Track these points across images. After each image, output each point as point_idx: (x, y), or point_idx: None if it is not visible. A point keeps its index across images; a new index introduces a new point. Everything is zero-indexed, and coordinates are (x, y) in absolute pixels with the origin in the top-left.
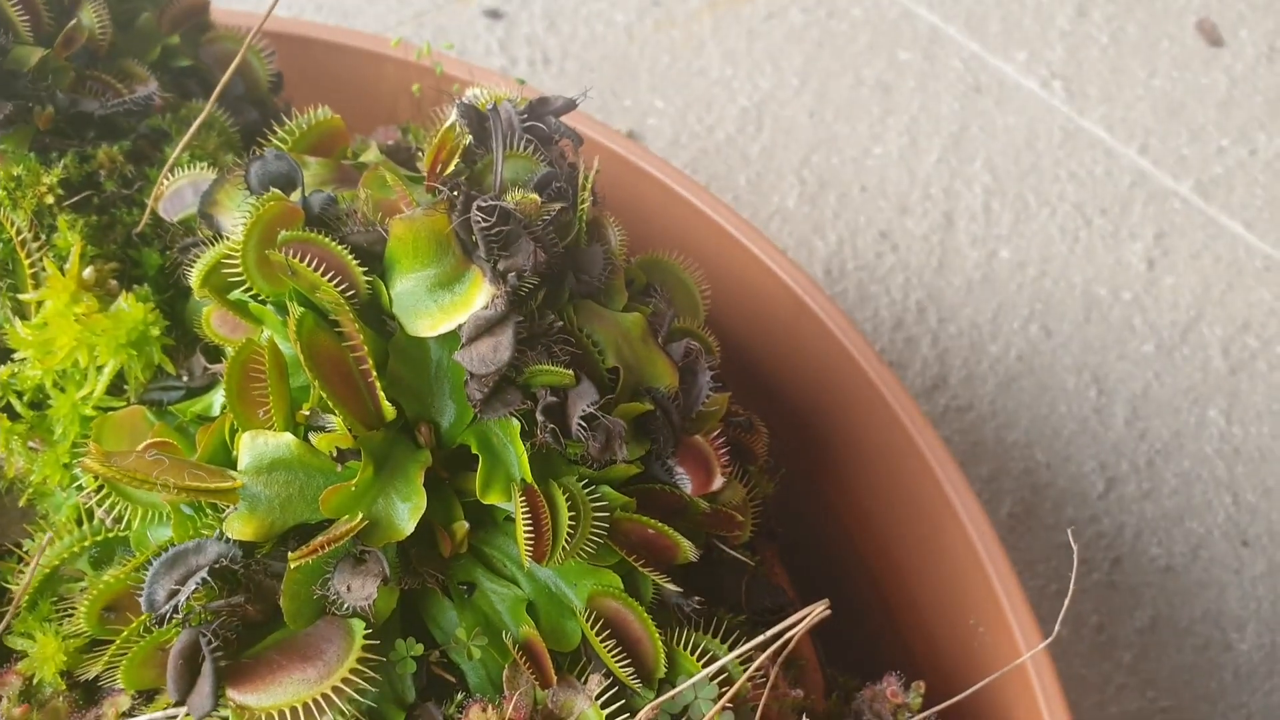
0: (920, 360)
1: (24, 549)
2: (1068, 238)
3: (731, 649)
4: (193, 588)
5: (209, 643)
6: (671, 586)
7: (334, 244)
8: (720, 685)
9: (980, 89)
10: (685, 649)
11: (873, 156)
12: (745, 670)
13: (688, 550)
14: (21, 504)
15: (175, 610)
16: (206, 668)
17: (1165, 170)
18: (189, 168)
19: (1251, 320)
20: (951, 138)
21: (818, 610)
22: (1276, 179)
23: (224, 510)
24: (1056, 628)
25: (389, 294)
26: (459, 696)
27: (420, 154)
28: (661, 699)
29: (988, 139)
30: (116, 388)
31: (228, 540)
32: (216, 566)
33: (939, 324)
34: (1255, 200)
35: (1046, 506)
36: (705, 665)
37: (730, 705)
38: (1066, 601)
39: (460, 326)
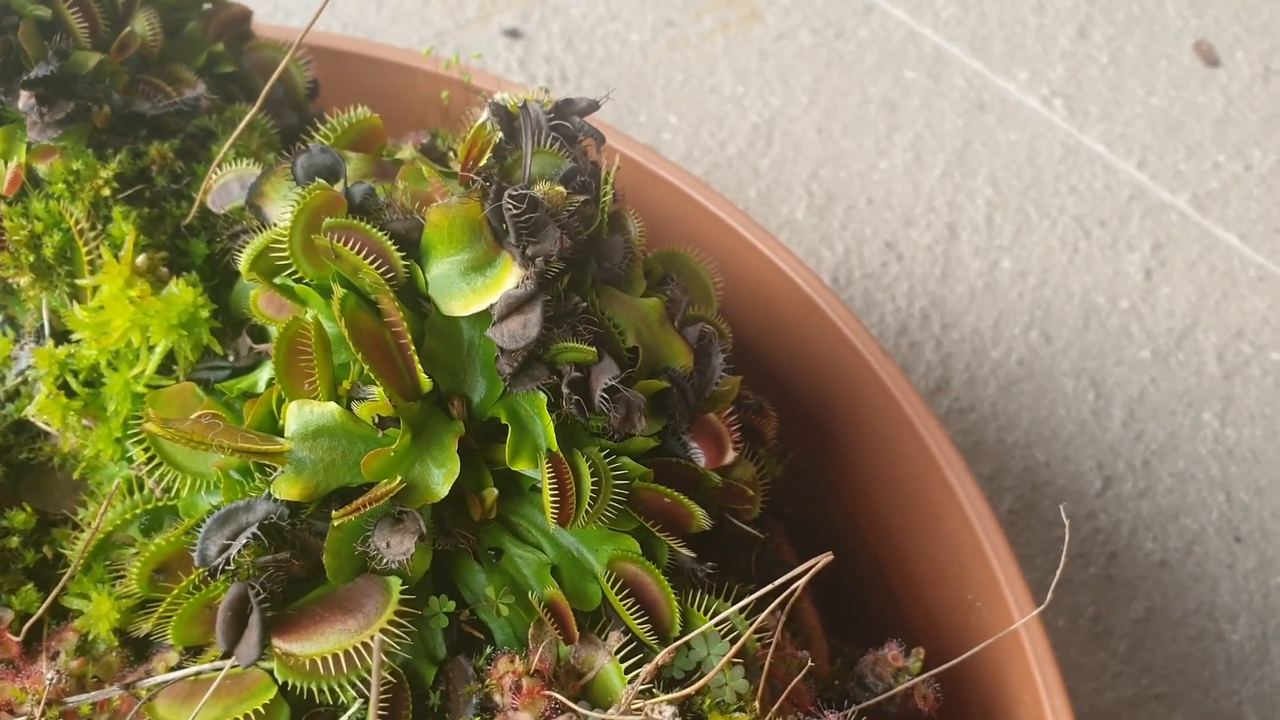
0: (924, 364)
1: (78, 517)
2: (1067, 248)
3: (742, 613)
4: (243, 542)
5: (257, 595)
6: (686, 552)
7: (374, 230)
8: (732, 644)
9: (983, 106)
10: (699, 611)
11: (879, 171)
12: (751, 624)
13: (701, 518)
14: (75, 476)
15: (226, 563)
16: (254, 618)
17: (1162, 184)
18: (235, 164)
19: (1245, 328)
20: (955, 153)
21: (822, 561)
22: (1270, 193)
23: (271, 474)
24: (1049, 596)
25: (425, 277)
26: (487, 650)
27: (452, 153)
28: (675, 645)
29: (990, 154)
30: (166, 368)
31: (275, 500)
32: (265, 523)
33: (942, 330)
34: (1250, 213)
35: (1045, 504)
36: (718, 626)
37: (739, 661)
38: (1058, 572)
39: (492, 307)
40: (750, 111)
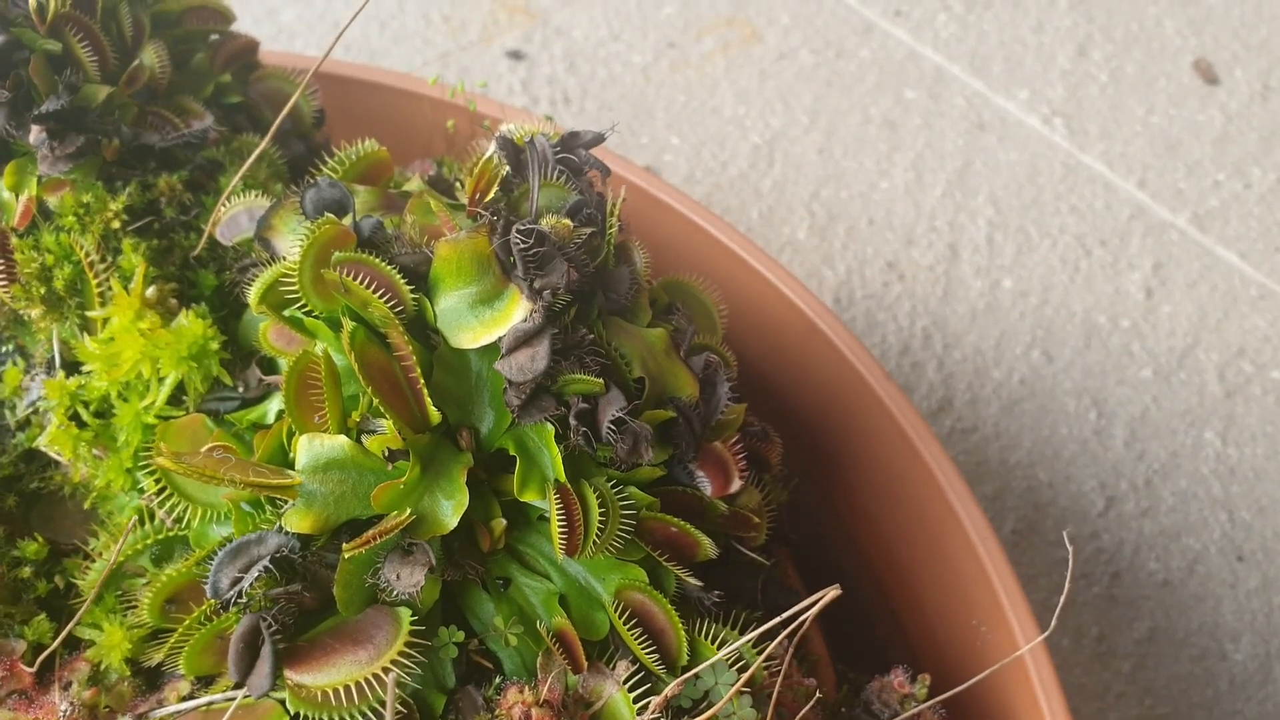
0: (926, 384)
1: (89, 547)
2: (1068, 268)
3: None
4: (255, 575)
5: (269, 626)
6: (693, 581)
7: (383, 264)
8: (740, 673)
9: (984, 126)
10: (706, 639)
11: (880, 191)
12: (760, 654)
13: (708, 547)
14: (86, 506)
15: (238, 595)
16: (266, 650)
17: (1163, 203)
18: (243, 196)
19: (1246, 346)
20: (956, 173)
21: (829, 594)
22: (1270, 211)
23: (282, 507)
24: (1053, 622)
25: (433, 310)
26: (496, 680)
27: (459, 184)
28: (684, 677)
29: (991, 174)
30: (176, 399)
31: (286, 533)
32: (277, 556)
33: (944, 350)
34: (1250, 232)
35: (1048, 524)
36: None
37: (747, 690)
38: (1063, 598)
39: (500, 339)
40: (751, 132)
